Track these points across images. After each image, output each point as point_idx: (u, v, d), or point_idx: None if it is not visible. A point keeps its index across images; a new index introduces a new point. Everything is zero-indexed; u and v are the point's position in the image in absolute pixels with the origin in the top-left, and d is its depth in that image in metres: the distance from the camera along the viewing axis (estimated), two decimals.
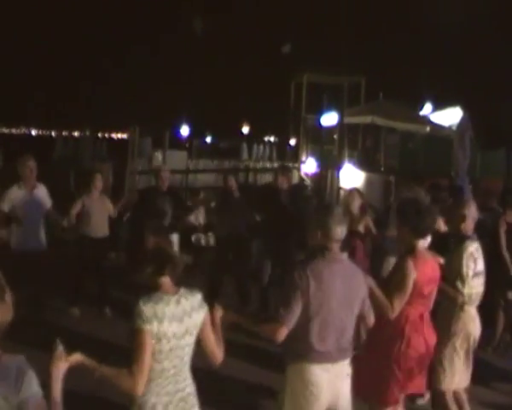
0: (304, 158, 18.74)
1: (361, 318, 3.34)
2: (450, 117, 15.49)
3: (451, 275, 4.20)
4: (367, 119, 15.56)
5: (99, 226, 7.01)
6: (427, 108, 18.87)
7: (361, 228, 6.68)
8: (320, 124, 17.32)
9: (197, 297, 2.75)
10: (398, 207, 4.09)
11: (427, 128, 15.21)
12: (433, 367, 4.20)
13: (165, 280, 2.68)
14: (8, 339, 2.07)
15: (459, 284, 4.18)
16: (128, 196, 9.25)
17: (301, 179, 16.84)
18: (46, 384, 2.22)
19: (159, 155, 15.90)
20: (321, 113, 17.15)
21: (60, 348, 2.33)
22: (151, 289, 2.64)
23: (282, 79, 23.25)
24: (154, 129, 17.72)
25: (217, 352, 2.87)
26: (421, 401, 4.90)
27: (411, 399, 4.78)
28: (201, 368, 2.92)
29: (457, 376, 4.30)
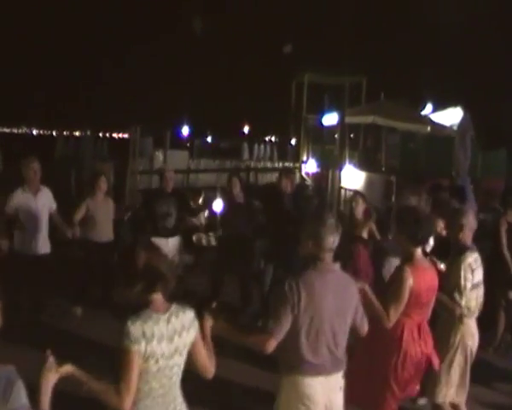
0: (305, 158, 18.75)
1: (353, 328, 3.31)
2: (451, 117, 15.49)
3: (449, 286, 4.17)
4: (368, 119, 15.55)
5: (104, 231, 6.99)
6: (428, 108, 18.87)
7: (365, 234, 6.67)
8: (321, 124, 17.33)
9: (188, 315, 2.69)
10: (396, 214, 4.06)
11: (428, 128, 15.19)
12: (429, 378, 4.19)
13: (157, 297, 2.62)
14: (9, 342, 2.07)
15: (457, 296, 4.14)
16: (130, 198, 9.22)
17: (302, 179, 16.83)
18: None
19: (160, 155, 15.89)
20: (322, 113, 17.16)
21: (50, 360, 2.31)
22: (141, 307, 2.58)
23: (283, 79, 23.24)
24: (155, 129, 17.72)
25: (208, 366, 2.81)
26: (422, 402, 4.90)
27: (412, 399, 4.78)
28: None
29: (453, 389, 4.28)
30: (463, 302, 4.15)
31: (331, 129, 16.86)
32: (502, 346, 6.49)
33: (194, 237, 9.86)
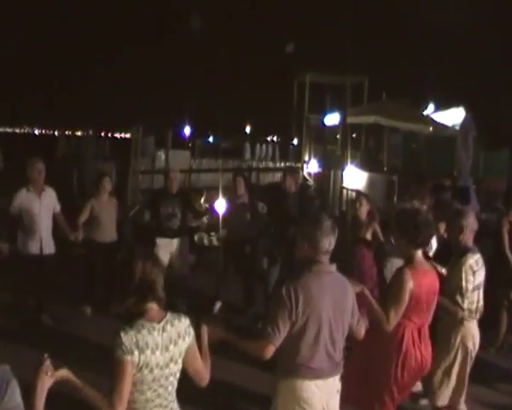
0: (307, 158, 18.73)
1: (350, 330, 3.28)
2: (453, 117, 15.48)
3: (451, 289, 4.14)
4: (370, 119, 15.56)
5: (108, 231, 6.99)
6: (430, 108, 18.87)
7: (368, 235, 6.65)
8: (323, 124, 17.31)
9: (184, 323, 2.65)
10: (396, 218, 4.00)
11: (431, 128, 15.20)
12: (430, 380, 4.19)
13: (152, 306, 2.58)
14: (8, 342, 2.07)
15: (459, 299, 4.11)
16: (132, 198, 9.21)
17: (304, 179, 16.82)
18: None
19: (162, 155, 15.88)
20: (324, 113, 17.15)
21: (47, 363, 2.30)
22: (136, 317, 2.55)
23: (285, 79, 23.27)
24: (157, 128, 17.72)
25: (202, 373, 2.77)
26: (424, 402, 4.89)
27: (413, 399, 4.78)
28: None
29: (452, 391, 4.26)
30: (465, 305, 4.12)
31: (333, 129, 16.86)
32: (504, 346, 6.47)
33: (195, 237, 9.88)
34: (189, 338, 2.66)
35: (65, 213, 6.75)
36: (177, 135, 27.86)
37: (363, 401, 3.78)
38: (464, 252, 4.23)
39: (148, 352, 2.49)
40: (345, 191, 12.96)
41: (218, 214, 7.37)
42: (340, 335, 3.18)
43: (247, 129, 48.97)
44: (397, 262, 4.56)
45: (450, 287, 4.14)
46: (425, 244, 3.88)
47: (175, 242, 6.93)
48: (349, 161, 14.74)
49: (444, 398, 4.27)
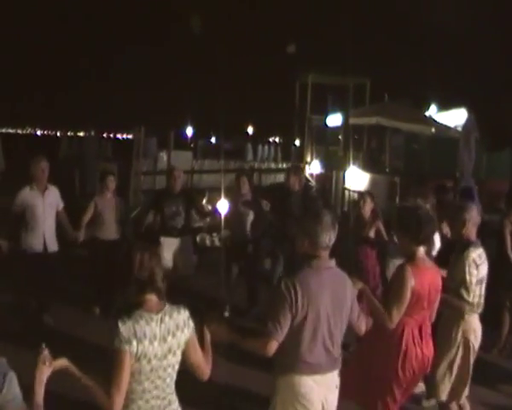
0: (309, 159, 18.72)
1: (350, 326, 3.28)
2: (455, 118, 15.48)
3: (454, 283, 4.12)
4: (372, 120, 15.55)
5: (111, 229, 7.02)
6: (432, 109, 18.85)
7: (372, 233, 6.64)
8: (325, 125, 17.32)
9: (183, 315, 2.66)
10: (398, 216, 4.00)
11: (433, 129, 15.18)
12: (433, 378, 4.18)
13: (150, 297, 2.59)
14: (8, 342, 2.08)
15: (464, 293, 4.09)
16: (134, 198, 9.23)
17: (306, 180, 16.82)
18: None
19: (164, 156, 15.88)
20: (326, 113, 17.15)
21: (45, 353, 2.32)
22: (135, 307, 2.56)
23: (287, 80, 23.27)
24: (159, 129, 17.74)
25: (203, 367, 2.77)
26: (427, 404, 4.89)
27: (417, 401, 4.77)
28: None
29: (456, 385, 4.24)
30: (470, 298, 4.10)
31: (335, 130, 16.87)
32: (506, 347, 6.46)
33: (197, 238, 9.89)
34: (189, 331, 2.67)
35: (67, 214, 6.77)
36: (179, 136, 27.91)
37: (365, 400, 3.77)
38: (467, 246, 4.21)
39: (146, 342, 2.49)
40: (347, 192, 12.97)
41: (220, 215, 7.37)
42: (339, 330, 3.18)
43: (249, 130, 49.03)
44: (399, 263, 4.55)
45: (454, 281, 4.13)
46: (427, 240, 3.88)
47: (179, 241, 6.94)
48: (351, 162, 14.76)
49: (448, 393, 4.24)
